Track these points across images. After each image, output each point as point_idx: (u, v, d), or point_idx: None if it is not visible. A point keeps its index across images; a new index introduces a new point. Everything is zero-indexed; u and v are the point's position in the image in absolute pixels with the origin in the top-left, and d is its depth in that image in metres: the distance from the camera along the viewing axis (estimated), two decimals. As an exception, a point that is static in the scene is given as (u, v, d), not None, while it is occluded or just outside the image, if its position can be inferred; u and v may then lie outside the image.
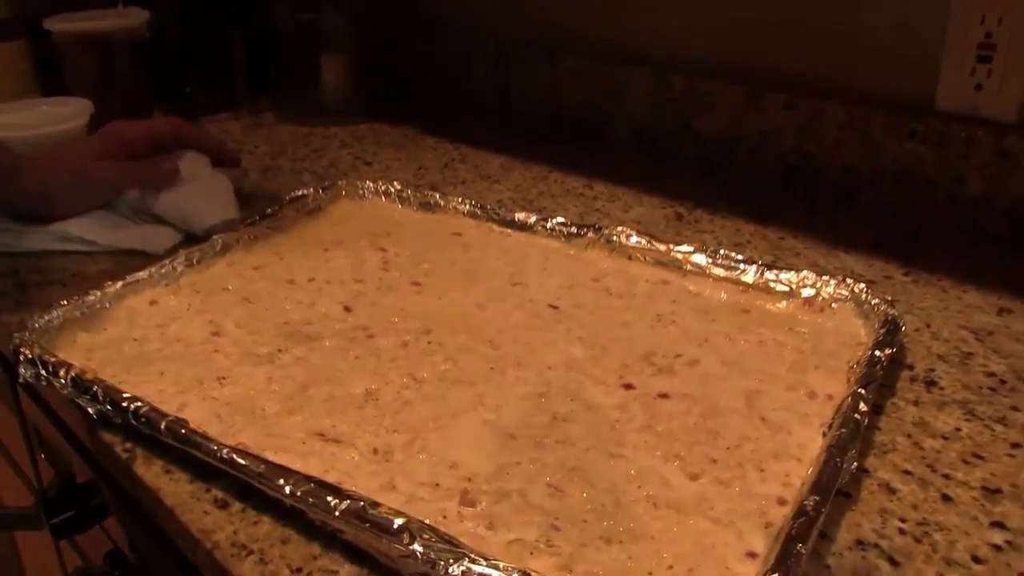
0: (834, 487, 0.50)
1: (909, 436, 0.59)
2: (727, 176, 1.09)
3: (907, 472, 0.56)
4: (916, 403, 0.63)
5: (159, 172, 0.91)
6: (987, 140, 0.89)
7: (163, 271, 0.78)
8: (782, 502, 0.51)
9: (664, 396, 0.62)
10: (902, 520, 0.52)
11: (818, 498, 0.48)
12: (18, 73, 1.29)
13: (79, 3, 1.37)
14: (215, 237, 0.84)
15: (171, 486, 0.55)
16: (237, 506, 0.53)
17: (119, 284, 0.74)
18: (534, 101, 1.30)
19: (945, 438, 0.59)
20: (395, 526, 0.45)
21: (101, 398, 0.58)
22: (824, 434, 0.56)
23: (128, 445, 0.59)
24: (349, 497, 0.48)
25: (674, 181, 1.06)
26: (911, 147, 0.94)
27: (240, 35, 1.33)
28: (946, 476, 0.55)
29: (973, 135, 0.90)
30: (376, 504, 0.47)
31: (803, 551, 0.44)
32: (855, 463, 0.52)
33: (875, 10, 0.96)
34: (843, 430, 0.54)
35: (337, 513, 0.47)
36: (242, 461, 0.51)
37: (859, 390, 0.58)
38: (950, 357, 0.69)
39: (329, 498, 0.48)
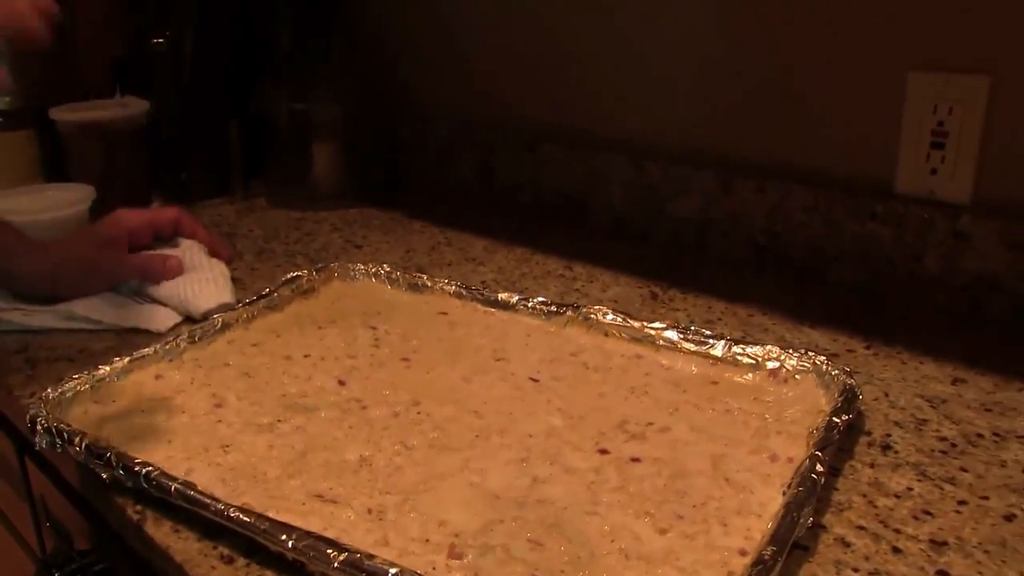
0: (791, 539, 0.54)
1: (864, 495, 0.64)
2: (700, 257, 1.15)
3: (861, 527, 0.60)
4: (872, 465, 0.68)
5: (162, 267, 0.96)
6: (942, 221, 0.95)
7: (167, 347, 0.82)
8: (743, 553, 0.56)
9: (636, 460, 0.66)
10: (855, 570, 0.56)
11: (775, 548, 0.52)
12: (25, 160, 1.34)
13: (82, 94, 1.44)
14: (215, 316, 0.89)
15: (180, 544, 0.59)
16: (242, 561, 0.57)
17: (126, 360, 0.79)
18: (516, 187, 1.36)
19: (897, 496, 0.64)
20: (389, 575, 0.50)
21: (114, 463, 0.63)
22: (784, 493, 0.60)
23: (139, 507, 0.63)
24: (346, 550, 0.52)
25: (650, 262, 1.12)
26: (872, 227, 0.99)
27: (235, 124, 1.39)
28: (897, 531, 0.60)
29: (929, 216, 0.95)
30: (371, 556, 0.52)
31: (760, 595, 0.49)
32: (811, 518, 0.57)
33: (837, 101, 1.02)
34: (800, 488, 0.59)
35: (336, 564, 0.52)
36: (247, 519, 0.56)
37: (816, 452, 0.62)
38: (906, 423, 0.74)
39: (328, 551, 0.52)
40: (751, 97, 1.10)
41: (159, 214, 1.02)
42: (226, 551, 0.58)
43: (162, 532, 0.60)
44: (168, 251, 1.00)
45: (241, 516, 0.56)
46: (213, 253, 1.04)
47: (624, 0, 1.19)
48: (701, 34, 1.13)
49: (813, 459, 0.62)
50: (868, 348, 0.88)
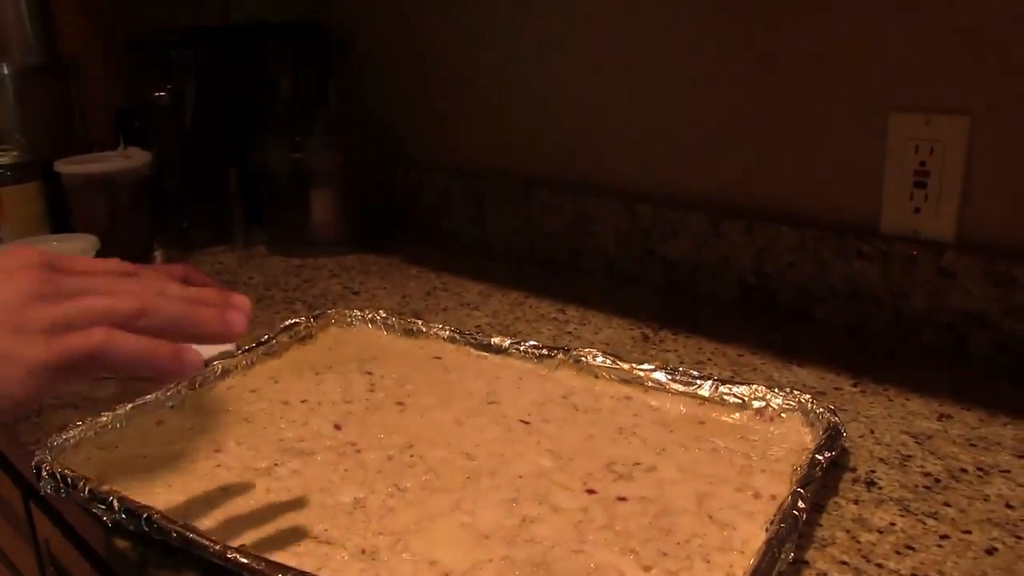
0: (771, 574, 0.55)
1: (848, 531, 0.65)
2: (691, 298, 1.16)
3: (844, 563, 0.62)
4: (856, 502, 0.69)
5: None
6: (927, 259, 0.97)
7: (168, 394, 0.84)
8: (726, 589, 0.57)
9: (623, 499, 0.68)
10: (837, 605, 0.57)
11: (755, 583, 0.54)
12: (31, 212, 1.37)
13: (86, 146, 1.47)
14: (215, 363, 0.90)
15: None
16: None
17: (129, 406, 0.81)
18: (511, 232, 1.38)
19: (880, 532, 0.65)
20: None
21: (117, 507, 0.64)
22: (766, 529, 0.62)
23: (140, 550, 0.65)
24: (339, 591, 0.54)
25: (641, 304, 1.14)
26: (859, 266, 1.01)
27: (236, 173, 1.41)
28: (879, 565, 0.61)
29: (914, 255, 0.97)
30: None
31: (740, 629, 0.50)
32: (792, 554, 0.58)
33: (822, 143, 1.05)
34: (782, 525, 0.60)
35: (328, 605, 0.53)
36: (244, 560, 0.57)
37: (798, 489, 0.64)
38: (891, 459, 0.75)
39: (321, 592, 0.54)
40: (739, 141, 1.12)
41: (168, 270, 1.03)
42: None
43: (163, 574, 0.62)
44: None
45: (238, 557, 0.58)
46: None
47: (611, 51, 1.22)
48: (689, 81, 1.16)
49: (795, 496, 0.63)
50: (855, 386, 0.89)
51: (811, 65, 1.04)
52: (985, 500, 0.69)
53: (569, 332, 1.05)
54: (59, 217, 1.37)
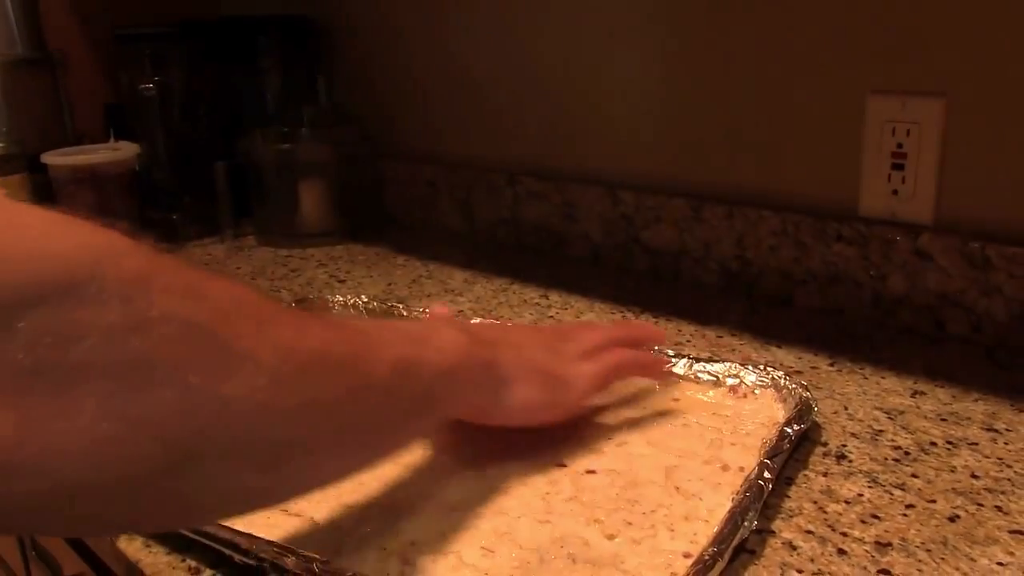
0: (732, 540, 0.56)
1: (815, 502, 0.66)
2: (674, 284, 1.17)
3: (809, 532, 0.62)
4: (825, 474, 0.70)
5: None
6: (905, 241, 0.97)
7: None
8: (687, 556, 0.58)
9: (591, 472, 0.68)
10: (799, 571, 0.58)
11: (715, 549, 0.54)
12: (17, 205, 1.37)
13: (75, 139, 1.47)
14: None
15: (150, 558, 0.61)
16: (208, 572, 0.59)
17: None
18: (497, 221, 1.39)
19: (847, 502, 0.66)
20: (342, 580, 0.52)
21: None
22: (732, 500, 0.62)
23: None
24: (303, 557, 0.54)
25: (624, 289, 1.15)
26: (838, 249, 1.02)
27: (224, 166, 1.42)
28: (844, 534, 0.62)
29: (892, 237, 0.98)
30: (325, 562, 0.54)
31: (698, 592, 0.51)
32: (755, 522, 0.59)
33: (801, 126, 1.05)
34: (747, 494, 0.61)
35: (293, 569, 0.54)
36: (209, 529, 0.58)
37: (765, 460, 0.65)
38: (862, 434, 0.76)
39: (286, 557, 0.54)
40: (718, 126, 1.13)
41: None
42: (193, 563, 0.60)
43: (133, 548, 0.63)
44: None
45: (205, 528, 0.59)
46: None
47: (593, 40, 1.22)
48: (668, 68, 1.16)
49: (761, 466, 0.64)
50: (832, 365, 0.90)
51: (788, 49, 1.04)
52: (952, 471, 0.69)
53: (551, 316, 1.06)
54: (47, 209, 1.38)
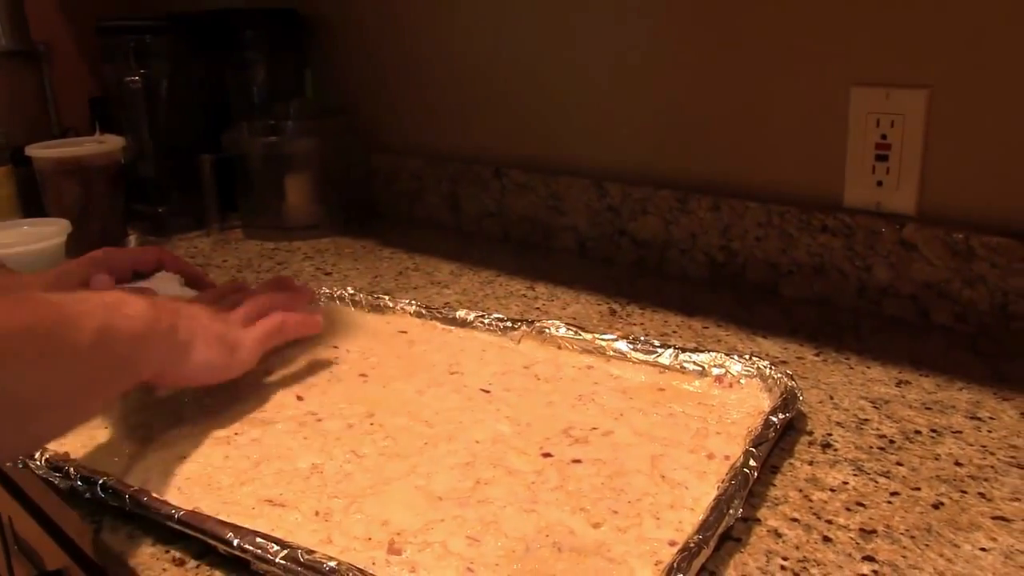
0: (718, 528, 0.56)
1: (800, 490, 0.66)
2: (660, 275, 1.17)
3: (794, 520, 0.62)
4: (811, 463, 0.70)
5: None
6: (889, 231, 0.97)
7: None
8: (673, 544, 0.58)
9: (577, 461, 0.68)
10: (784, 559, 0.58)
11: (700, 536, 0.55)
12: (3, 196, 1.37)
13: (60, 132, 1.47)
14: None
15: (134, 549, 0.61)
16: (192, 563, 0.59)
17: (89, 381, 0.81)
18: (484, 213, 1.39)
19: (833, 490, 0.66)
20: (326, 568, 0.52)
21: (72, 475, 0.65)
22: (718, 488, 0.62)
23: (96, 517, 0.65)
24: (288, 546, 0.54)
25: (610, 281, 1.15)
26: (823, 240, 1.02)
27: (210, 159, 1.41)
28: (829, 521, 0.62)
29: (877, 227, 0.98)
30: (311, 552, 0.54)
31: (683, 580, 0.51)
32: (741, 510, 0.59)
33: (786, 119, 1.05)
34: (732, 482, 0.61)
35: (277, 560, 0.54)
36: (195, 521, 0.58)
37: (751, 448, 0.65)
38: (847, 423, 0.76)
39: (271, 547, 0.54)
40: (704, 120, 1.13)
41: (143, 252, 1.02)
42: (178, 554, 0.60)
43: (117, 539, 0.63)
44: (143, 284, 1.01)
45: (191, 519, 0.59)
46: (197, 285, 1.04)
47: (579, 34, 1.22)
48: (654, 60, 1.16)
49: (747, 455, 0.64)
50: (818, 355, 0.90)
51: (773, 41, 1.04)
52: (936, 459, 0.69)
53: (537, 308, 1.06)
54: (32, 202, 1.38)
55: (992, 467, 0.68)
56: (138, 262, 1.00)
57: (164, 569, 0.59)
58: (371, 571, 0.53)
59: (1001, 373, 0.84)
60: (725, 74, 1.10)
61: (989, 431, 0.74)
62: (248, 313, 0.83)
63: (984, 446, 0.71)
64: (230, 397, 0.81)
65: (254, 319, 0.83)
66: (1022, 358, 0.88)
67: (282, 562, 0.54)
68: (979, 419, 0.76)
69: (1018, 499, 0.64)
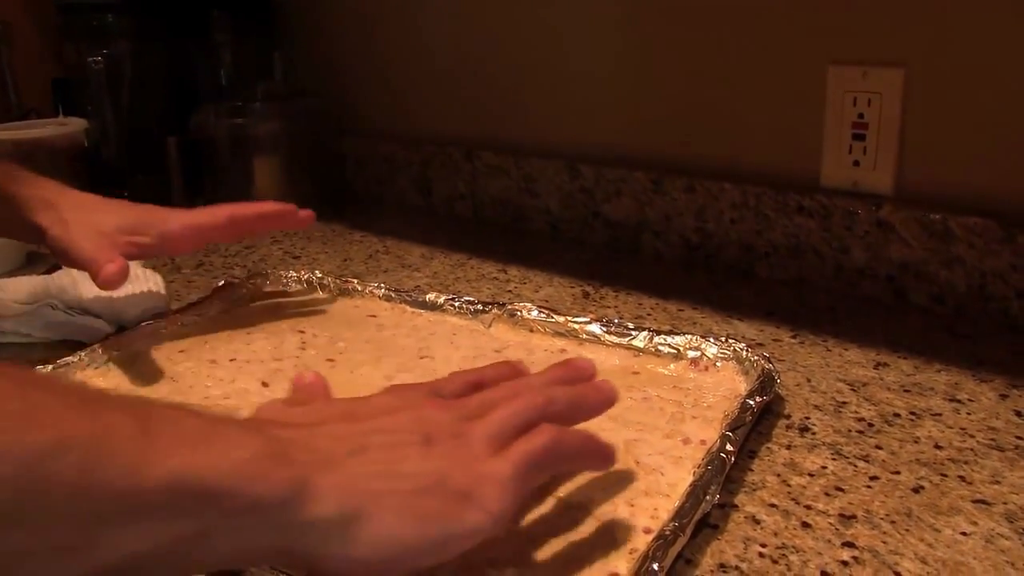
0: (694, 515, 0.55)
1: (778, 475, 0.65)
2: (634, 257, 1.16)
3: (773, 505, 0.61)
4: (789, 447, 0.68)
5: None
6: (866, 212, 0.96)
7: (92, 356, 0.82)
8: (648, 531, 0.56)
9: (550, 447, 0.67)
10: (763, 546, 0.57)
11: (676, 524, 0.53)
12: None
13: (21, 115, 1.43)
14: (144, 323, 0.88)
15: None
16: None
17: (50, 367, 0.79)
18: (455, 196, 1.37)
19: (811, 475, 0.64)
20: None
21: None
22: (694, 473, 0.61)
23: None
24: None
25: (583, 263, 1.13)
26: (800, 221, 1.01)
27: (175, 141, 1.39)
28: (808, 507, 0.61)
29: (853, 208, 0.97)
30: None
31: (657, 568, 0.49)
32: (718, 496, 0.58)
33: (762, 98, 1.04)
34: (709, 468, 0.59)
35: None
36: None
37: (727, 433, 0.63)
38: (825, 407, 0.75)
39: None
40: (678, 99, 1.11)
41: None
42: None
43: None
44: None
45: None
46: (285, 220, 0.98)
47: (551, 13, 1.20)
48: (627, 40, 1.15)
49: (723, 439, 0.62)
50: (794, 337, 0.89)
51: (748, 19, 1.03)
52: (915, 442, 0.68)
53: (509, 291, 1.04)
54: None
55: (972, 449, 0.67)
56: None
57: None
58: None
59: (979, 354, 0.83)
60: (700, 53, 1.08)
61: (968, 413, 0.72)
62: (504, 427, 0.51)
63: (963, 428, 0.70)
64: (192, 382, 0.79)
65: (511, 436, 0.51)
66: (1000, 339, 0.87)
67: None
68: (958, 401, 0.74)
69: (998, 482, 0.63)
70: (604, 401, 0.58)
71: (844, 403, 0.75)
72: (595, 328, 0.84)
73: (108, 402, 0.38)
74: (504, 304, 0.89)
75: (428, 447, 0.48)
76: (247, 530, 0.40)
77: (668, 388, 0.76)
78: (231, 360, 0.84)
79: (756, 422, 0.69)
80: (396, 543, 0.44)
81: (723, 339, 0.80)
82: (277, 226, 0.93)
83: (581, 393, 0.57)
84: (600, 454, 0.55)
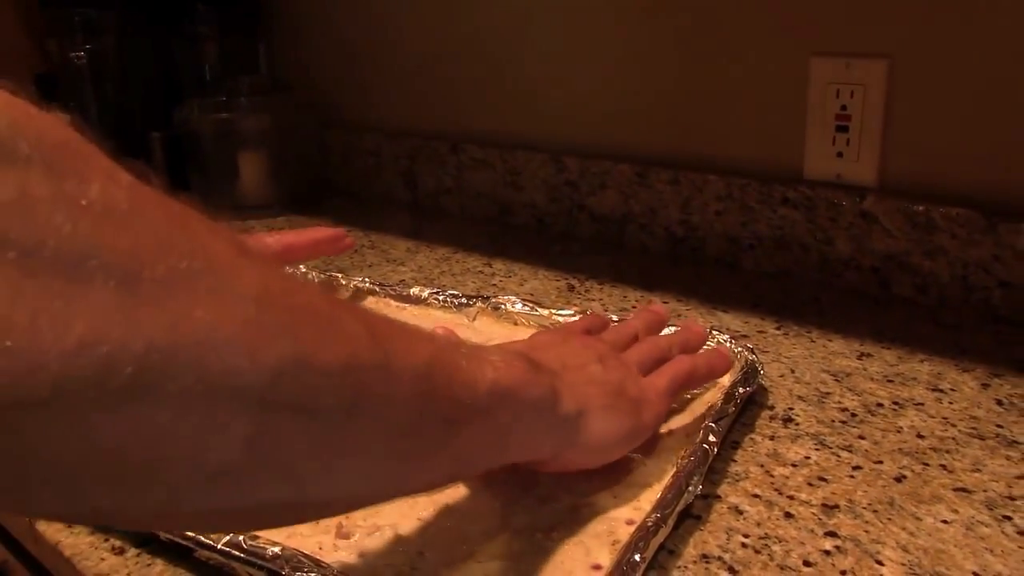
0: (676, 505, 0.55)
1: (762, 466, 0.65)
2: (619, 249, 1.16)
3: (756, 496, 0.61)
4: (772, 438, 0.68)
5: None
6: (850, 203, 0.96)
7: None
8: (630, 523, 0.56)
9: (533, 439, 0.67)
10: (745, 536, 0.57)
11: (658, 515, 0.53)
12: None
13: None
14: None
15: (71, 539, 0.59)
16: (133, 551, 0.57)
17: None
18: (441, 190, 1.37)
19: (795, 465, 0.65)
20: (270, 554, 0.50)
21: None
22: (677, 464, 0.61)
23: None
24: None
25: (569, 257, 1.13)
26: (784, 213, 1.01)
27: (160, 136, 1.38)
28: (791, 497, 0.61)
29: (837, 199, 0.97)
30: (255, 537, 0.52)
31: (639, 559, 0.49)
32: (700, 486, 0.58)
33: (746, 90, 1.04)
34: (692, 458, 0.59)
35: (219, 546, 0.52)
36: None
37: (710, 424, 0.63)
38: (809, 397, 0.75)
39: (214, 533, 0.52)
40: (662, 92, 1.11)
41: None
42: (117, 543, 0.58)
43: (53, 529, 0.60)
44: None
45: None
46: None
47: (535, 6, 1.21)
48: (611, 32, 1.14)
49: (706, 430, 0.62)
50: (779, 329, 0.89)
51: (731, 10, 1.03)
52: (898, 432, 0.68)
53: (494, 284, 1.04)
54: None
55: (953, 439, 0.67)
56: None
57: (102, 559, 0.56)
58: (318, 556, 0.51)
59: (962, 344, 0.83)
60: (683, 45, 1.08)
61: (950, 403, 0.73)
62: (644, 357, 0.65)
63: (946, 418, 0.70)
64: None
65: (650, 366, 0.64)
66: (982, 329, 0.87)
67: (224, 548, 0.52)
68: (941, 391, 0.75)
69: (979, 470, 0.63)
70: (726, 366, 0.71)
71: (828, 394, 0.75)
72: (579, 321, 0.84)
73: (422, 331, 0.44)
74: (488, 298, 0.89)
75: (602, 365, 0.59)
76: (531, 424, 0.50)
77: (652, 380, 0.76)
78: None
79: (740, 413, 0.70)
80: (609, 434, 0.57)
81: (708, 331, 0.80)
82: (328, 252, 0.92)
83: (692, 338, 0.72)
84: (724, 362, 0.70)
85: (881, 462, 0.64)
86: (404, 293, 0.93)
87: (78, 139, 0.29)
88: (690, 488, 0.56)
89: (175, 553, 0.56)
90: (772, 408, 0.73)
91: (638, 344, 0.67)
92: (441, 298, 0.91)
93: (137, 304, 0.27)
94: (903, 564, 0.54)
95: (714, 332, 0.80)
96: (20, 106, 0.27)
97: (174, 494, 0.30)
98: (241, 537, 0.52)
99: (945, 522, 0.57)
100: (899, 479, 0.62)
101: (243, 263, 0.32)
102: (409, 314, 0.91)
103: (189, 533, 0.53)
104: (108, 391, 0.26)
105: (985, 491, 0.60)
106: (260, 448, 0.31)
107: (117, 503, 0.29)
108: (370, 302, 0.95)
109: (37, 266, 0.25)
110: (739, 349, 0.77)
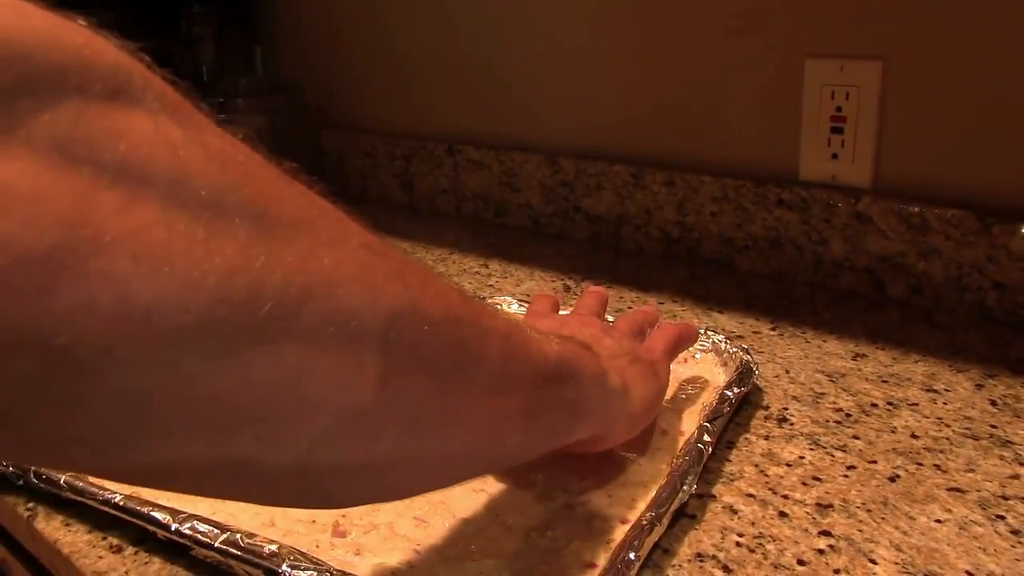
0: (671, 504, 0.55)
1: (756, 465, 0.65)
2: (615, 250, 1.16)
3: (750, 495, 0.61)
4: (767, 437, 0.69)
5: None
6: (845, 204, 0.96)
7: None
8: (625, 521, 0.56)
9: (529, 439, 0.67)
10: (740, 535, 0.57)
11: (653, 514, 0.53)
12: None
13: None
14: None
15: (69, 537, 0.59)
16: (130, 550, 0.57)
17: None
18: (436, 191, 1.37)
19: (789, 465, 0.65)
20: (267, 552, 0.50)
21: (3, 461, 0.62)
22: (671, 464, 0.61)
23: (31, 505, 0.63)
24: (228, 530, 0.52)
25: (566, 258, 1.13)
26: (779, 214, 1.01)
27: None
28: (785, 496, 0.61)
29: (832, 201, 0.97)
30: (252, 535, 0.52)
31: (634, 558, 0.50)
32: (695, 486, 0.58)
33: (741, 92, 1.04)
34: (686, 458, 0.60)
35: (216, 544, 0.52)
36: (133, 505, 0.56)
37: (705, 423, 0.63)
38: (804, 397, 0.75)
39: (210, 531, 0.52)
40: (659, 94, 1.11)
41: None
42: (115, 541, 0.58)
43: (52, 527, 0.60)
44: None
45: (127, 503, 0.56)
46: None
47: (532, 8, 1.20)
48: (607, 34, 1.14)
49: (700, 430, 0.63)
50: (774, 329, 0.89)
51: (726, 13, 1.03)
52: (892, 432, 0.69)
53: (491, 285, 1.04)
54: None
55: (947, 439, 0.67)
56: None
57: (100, 556, 0.57)
58: (314, 555, 0.51)
59: (956, 345, 0.84)
60: (679, 47, 1.08)
61: (944, 403, 0.73)
62: (631, 329, 0.67)
63: (939, 418, 0.71)
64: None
65: (637, 337, 0.67)
66: (976, 330, 0.87)
67: (221, 547, 0.52)
68: (935, 391, 0.75)
69: (972, 470, 0.63)
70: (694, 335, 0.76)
71: (822, 394, 0.75)
72: (575, 321, 0.84)
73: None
74: (484, 298, 0.90)
75: (610, 338, 0.60)
76: (593, 398, 0.52)
77: (647, 380, 0.76)
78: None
79: (734, 413, 0.70)
80: (648, 400, 0.59)
81: (702, 331, 0.80)
82: None
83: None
84: (693, 331, 0.75)
85: (875, 462, 0.65)
86: (400, 294, 0.93)
87: (191, 100, 0.31)
88: (685, 487, 0.57)
89: (172, 551, 0.56)
90: (767, 408, 0.73)
91: (619, 319, 0.70)
92: (437, 299, 0.91)
93: (272, 240, 0.29)
94: (896, 563, 0.54)
95: (709, 332, 0.80)
96: (143, 65, 0.29)
97: (314, 442, 0.31)
98: (238, 535, 0.52)
99: (939, 521, 0.58)
100: (893, 479, 0.63)
101: (346, 216, 0.34)
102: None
103: (186, 531, 0.53)
104: (255, 322, 0.27)
105: (978, 491, 0.61)
106: (388, 391, 0.33)
107: (262, 450, 0.30)
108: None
109: (185, 198, 0.26)
110: (734, 349, 0.77)
